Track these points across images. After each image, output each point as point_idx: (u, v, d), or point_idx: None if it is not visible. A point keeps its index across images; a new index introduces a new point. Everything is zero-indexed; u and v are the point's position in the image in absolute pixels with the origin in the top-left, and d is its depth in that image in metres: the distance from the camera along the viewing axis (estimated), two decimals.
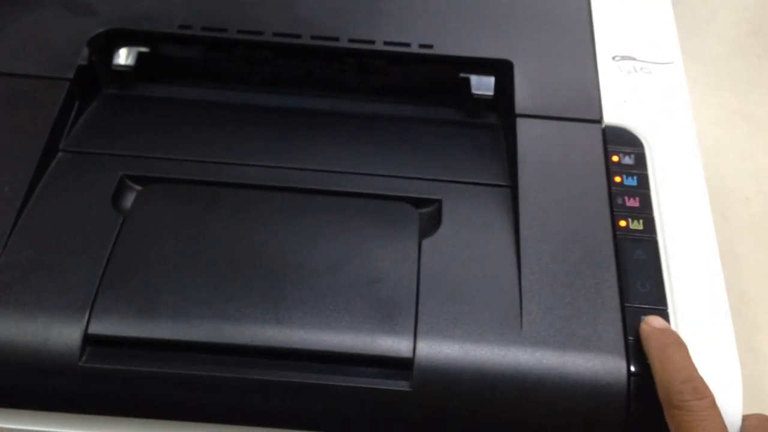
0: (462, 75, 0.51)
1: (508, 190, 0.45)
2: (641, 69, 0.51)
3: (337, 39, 0.51)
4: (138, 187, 0.44)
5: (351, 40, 0.50)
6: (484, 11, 0.53)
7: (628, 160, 0.46)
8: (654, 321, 0.39)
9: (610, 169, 0.45)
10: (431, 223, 0.43)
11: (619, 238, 0.42)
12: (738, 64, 0.82)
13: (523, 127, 0.47)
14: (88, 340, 0.38)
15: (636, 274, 0.41)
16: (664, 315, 0.39)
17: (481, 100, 0.50)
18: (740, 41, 0.84)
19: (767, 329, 0.61)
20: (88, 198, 0.43)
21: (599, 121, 0.48)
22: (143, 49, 0.51)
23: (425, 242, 0.42)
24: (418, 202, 0.44)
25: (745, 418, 0.37)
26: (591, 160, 0.46)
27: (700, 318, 0.40)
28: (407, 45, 0.50)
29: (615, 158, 0.46)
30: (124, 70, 0.51)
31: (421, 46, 0.50)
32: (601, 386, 0.37)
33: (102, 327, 0.38)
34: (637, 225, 0.43)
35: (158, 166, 0.45)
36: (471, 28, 0.52)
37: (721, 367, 0.38)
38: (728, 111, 0.77)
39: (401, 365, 0.38)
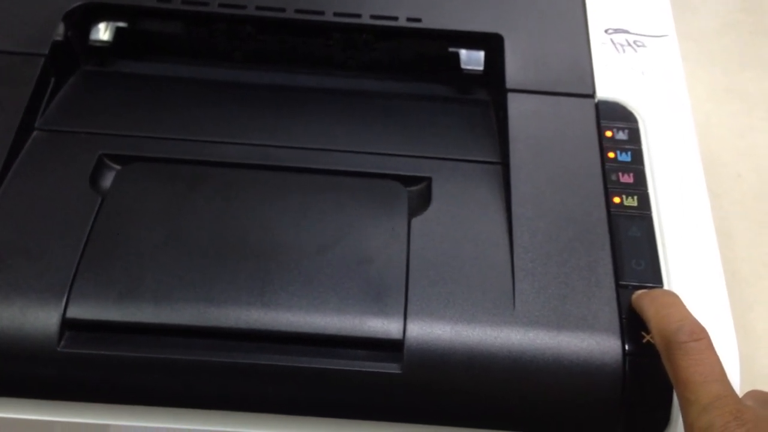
0: (451, 49, 0.50)
1: (500, 167, 0.44)
2: (635, 42, 0.50)
3: (322, 13, 0.49)
4: (117, 167, 0.43)
5: (337, 14, 0.49)
6: None
7: (621, 136, 0.45)
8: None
9: (603, 145, 0.44)
10: (421, 201, 0.43)
11: (613, 215, 0.41)
12: (729, 41, 0.81)
13: (514, 102, 0.46)
14: (67, 324, 0.37)
15: (631, 251, 0.40)
16: None
17: (471, 76, 0.50)
18: (731, 17, 0.83)
19: (759, 307, 0.61)
20: (65, 178, 0.42)
21: (592, 95, 0.47)
22: (121, 24, 0.50)
23: (415, 221, 0.41)
24: (407, 180, 0.43)
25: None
26: (584, 135, 0.45)
27: (696, 295, 0.39)
28: (395, 18, 0.49)
29: (608, 133, 0.45)
30: (102, 46, 0.50)
31: (409, 19, 0.49)
32: (596, 366, 0.37)
33: (80, 311, 0.37)
34: (632, 201, 0.42)
35: (138, 145, 0.44)
36: (460, 1, 0.50)
37: (718, 344, 0.37)
38: (719, 87, 0.76)
39: (391, 347, 0.37)
